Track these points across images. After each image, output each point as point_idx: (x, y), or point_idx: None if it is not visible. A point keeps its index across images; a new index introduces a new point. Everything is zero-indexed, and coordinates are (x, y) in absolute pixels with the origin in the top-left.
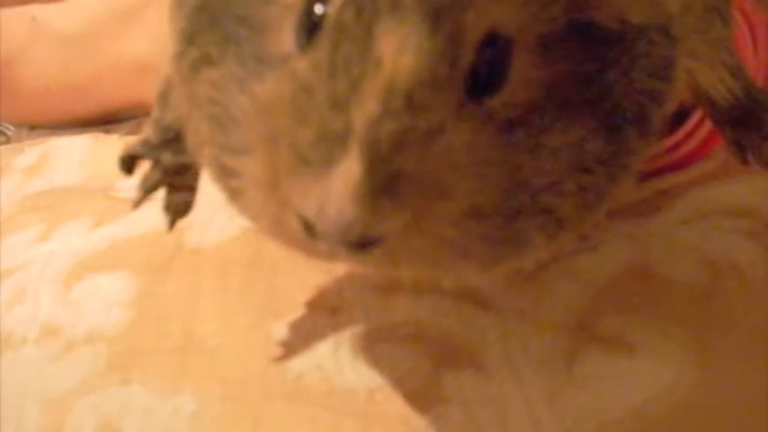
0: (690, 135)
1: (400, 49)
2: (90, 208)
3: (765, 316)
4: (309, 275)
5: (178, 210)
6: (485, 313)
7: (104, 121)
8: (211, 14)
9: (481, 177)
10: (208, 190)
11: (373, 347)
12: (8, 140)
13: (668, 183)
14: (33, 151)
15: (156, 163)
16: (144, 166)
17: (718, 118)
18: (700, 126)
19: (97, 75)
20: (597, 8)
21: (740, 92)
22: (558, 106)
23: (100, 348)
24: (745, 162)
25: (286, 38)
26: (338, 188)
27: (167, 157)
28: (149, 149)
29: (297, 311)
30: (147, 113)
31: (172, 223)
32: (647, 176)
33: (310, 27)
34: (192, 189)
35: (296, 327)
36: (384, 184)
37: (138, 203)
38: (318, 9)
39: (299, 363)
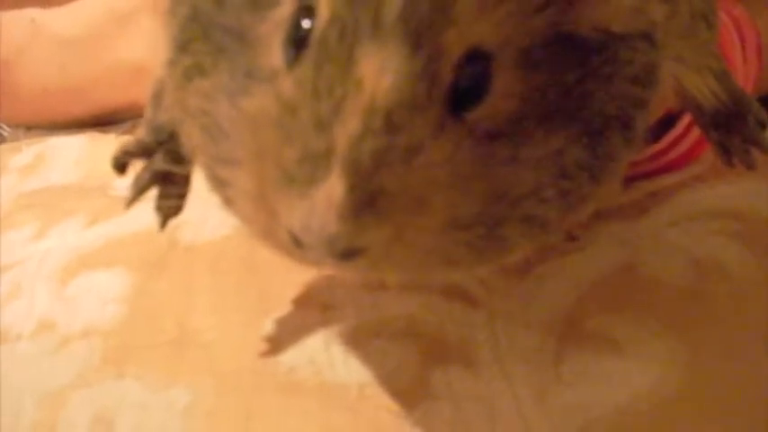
0: (679, 140)
1: (380, 71)
2: (86, 206)
3: (751, 316)
4: (302, 272)
5: (170, 210)
6: (474, 311)
7: (101, 122)
8: (203, 25)
9: (461, 190)
10: (202, 188)
11: (364, 343)
12: (4, 141)
13: (657, 185)
14: (30, 151)
15: (149, 163)
16: (137, 166)
17: (703, 121)
18: (688, 131)
19: (94, 77)
20: (579, 21)
21: (725, 96)
22: (539, 116)
23: (95, 343)
24: (730, 164)
25: (274, 53)
26: (322, 205)
27: (160, 158)
28: (142, 150)
29: (289, 307)
30: (142, 115)
31: (164, 223)
32: (636, 179)
33: (298, 41)
34: (184, 189)
35: (288, 322)
36: (366, 200)
37: (130, 203)
38: (306, 23)
39: (291, 357)
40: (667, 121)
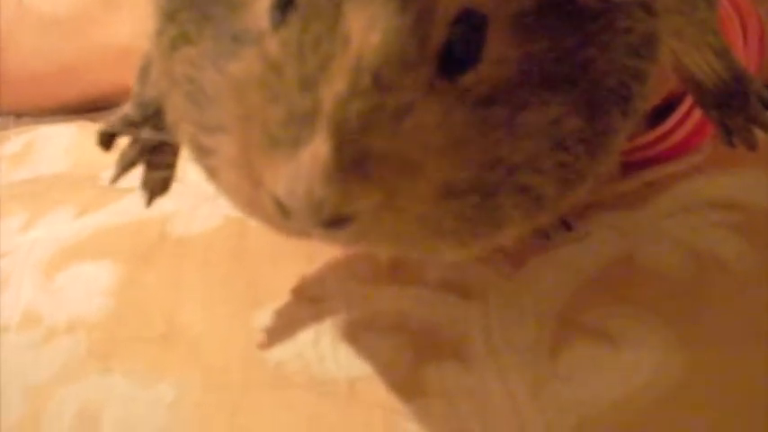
0: (678, 126)
1: (368, 27)
2: (75, 196)
3: (749, 310)
4: (292, 265)
5: (156, 187)
6: (468, 304)
7: (91, 107)
8: None
9: (454, 155)
10: (193, 179)
11: (355, 337)
12: None
13: (656, 175)
14: (19, 139)
15: (135, 139)
16: (122, 143)
17: (704, 101)
18: (687, 117)
19: (82, 59)
20: None
21: (726, 74)
22: (535, 83)
23: (81, 336)
24: (731, 145)
25: (260, 15)
26: (307, 168)
27: (146, 134)
28: (128, 125)
29: (279, 300)
30: None
31: (150, 200)
32: (634, 168)
33: (284, 3)
34: (170, 166)
35: (277, 316)
36: (353, 163)
37: (115, 178)
38: None
39: (279, 351)
40: (665, 109)
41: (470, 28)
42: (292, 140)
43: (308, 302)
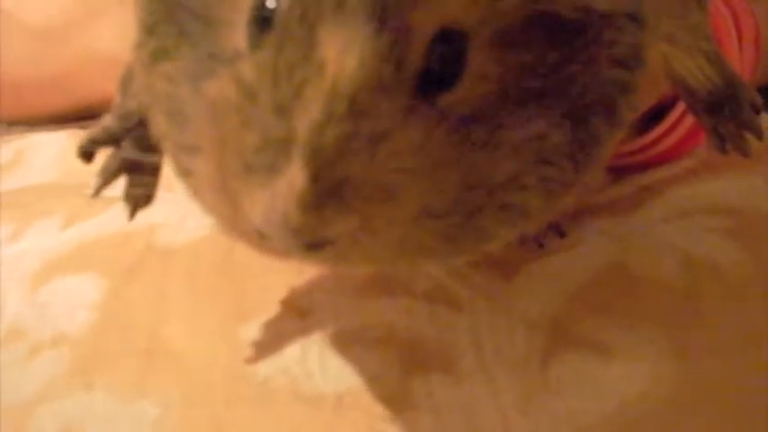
0: (671, 130)
1: (343, 52)
2: (62, 206)
3: (744, 317)
4: (279, 277)
5: (139, 198)
6: (458, 315)
7: (80, 116)
8: (168, 6)
9: (434, 178)
10: (181, 189)
11: (342, 351)
12: None
13: (649, 179)
14: (9, 148)
15: (117, 151)
16: (104, 155)
17: (696, 106)
18: (680, 121)
19: (69, 69)
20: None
21: (718, 79)
22: (517, 99)
23: (64, 352)
24: (723, 151)
25: (238, 35)
26: (282, 196)
27: (128, 145)
28: (109, 137)
29: (265, 314)
30: None
31: (133, 212)
32: (627, 173)
33: (262, 22)
34: (152, 179)
35: (264, 329)
36: (329, 190)
37: (97, 191)
38: (270, 3)
39: (265, 366)
40: (658, 113)
41: (449, 47)
42: (267, 167)
43: (295, 315)
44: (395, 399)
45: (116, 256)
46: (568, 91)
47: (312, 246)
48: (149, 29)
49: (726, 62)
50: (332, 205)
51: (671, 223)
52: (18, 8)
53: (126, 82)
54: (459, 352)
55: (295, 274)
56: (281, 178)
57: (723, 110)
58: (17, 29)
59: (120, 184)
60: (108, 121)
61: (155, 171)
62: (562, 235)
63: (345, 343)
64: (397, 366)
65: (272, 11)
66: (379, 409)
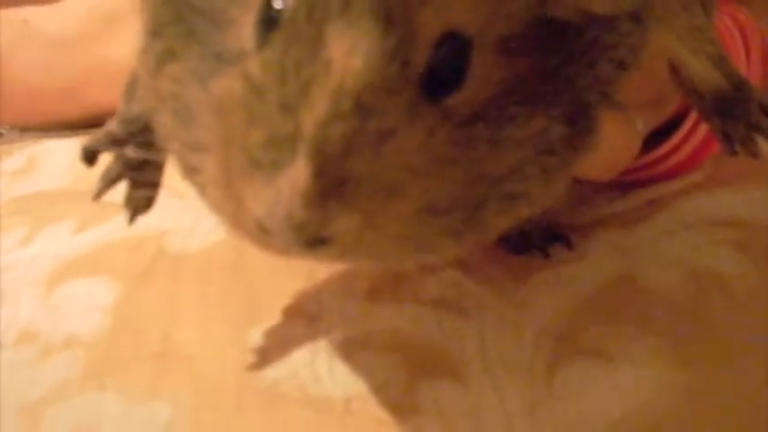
0: (680, 145)
1: (350, 51)
2: (75, 212)
3: (750, 329)
4: (289, 282)
5: (140, 202)
6: (465, 322)
7: (93, 124)
8: (175, 7)
9: (437, 175)
10: (191, 195)
11: (351, 356)
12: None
13: (657, 193)
14: (22, 154)
15: (119, 156)
16: (106, 159)
17: (704, 109)
18: (690, 136)
19: (86, 78)
20: (558, 3)
21: (725, 81)
22: (519, 99)
23: (77, 354)
24: (733, 153)
25: (245, 34)
26: (287, 191)
27: (130, 151)
28: (112, 141)
29: (275, 318)
30: None
31: (133, 217)
32: (635, 186)
33: (269, 22)
34: (154, 184)
35: (273, 334)
36: (333, 186)
37: (99, 194)
38: (278, 4)
39: (274, 371)
40: (668, 129)
41: (454, 50)
42: (272, 163)
43: (304, 320)
44: (402, 404)
45: (128, 261)
46: (568, 91)
47: (314, 242)
48: (156, 31)
49: (733, 65)
50: (335, 201)
51: (677, 236)
52: (35, 18)
53: (130, 88)
54: (466, 359)
55: (304, 279)
56: (286, 174)
57: (732, 112)
58: (34, 38)
59: (120, 184)
60: (111, 125)
61: (158, 170)
62: (570, 247)
63: (353, 348)
64: (404, 372)
65: (280, 11)
66: (386, 415)
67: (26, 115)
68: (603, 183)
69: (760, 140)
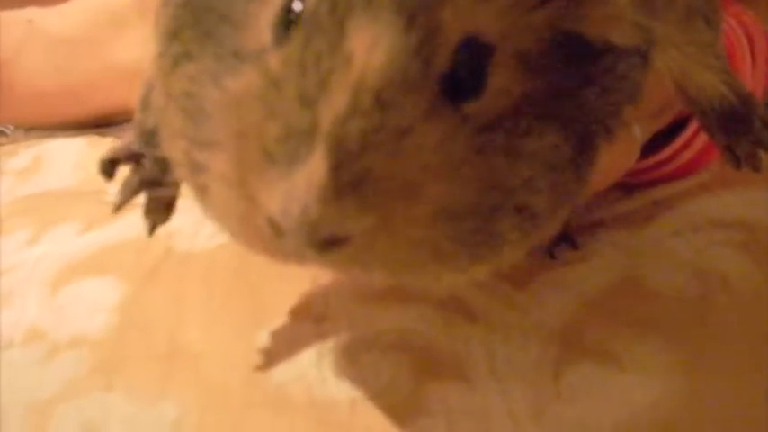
0: (685, 147)
1: (372, 46)
2: (81, 212)
3: (756, 331)
4: (296, 283)
5: (159, 215)
6: (471, 324)
7: (99, 124)
8: (194, 11)
9: (453, 178)
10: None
11: (357, 357)
12: (6, 136)
13: (662, 193)
14: (27, 153)
15: (137, 168)
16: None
17: (709, 124)
18: (695, 138)
19: (91, 79)
20: (582, 21)
21: (731, 97)
22: (534, 115)
23: (84, 353)
24: (738, 167)
25: (263, 32)
26: (302, 187)
27: (148, 163)
28: (130, 155)
29: (281, 319)
30: None
31: (152, 229)
32: (640, 187)
33: (288, 23)
34: (173, 194)
35: (280, 335)
36: (350, 183)
37: (117, 208)
38: (297, 6)
39: (281, 372)
40: (671, 131)
41: (475, 56)
42: (289, 157)
43: (310, 321)
44: (408, 406)
45: (135, 261)
46: (581, 115)
47: (327, 244)
48: (173, 35)
49: (738, 80)
50: (352, 199)
51: (682, 237)
52: (42, 19)
53: (146, 99)
54: (473, 360)
55: (312, 280)
56: (302, 169)
57: (736, 127)
58: (41, 39)
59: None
60: (129, 138)
61: (174, 188)
62: (575, 247)
63: (360, 349)
64: (410, 373)
65: (299, 13)
66: (392, 415)
67: (31, 116)
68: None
69: (763, 154)
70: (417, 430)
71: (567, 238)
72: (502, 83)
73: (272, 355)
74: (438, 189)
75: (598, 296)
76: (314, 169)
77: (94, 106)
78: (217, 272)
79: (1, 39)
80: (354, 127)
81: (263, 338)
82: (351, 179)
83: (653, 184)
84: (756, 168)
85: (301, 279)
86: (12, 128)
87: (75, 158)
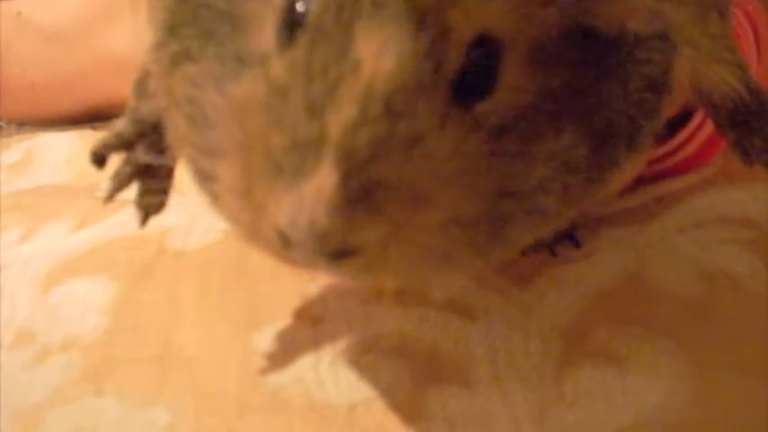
0: (689, 139)
1: (381, 51)
2: (73, 208)
3: (763, 331)
4: (293, 283)
5: (151, 206)
6: (472, 326)
7: (92, 118)
8: (193, 7)
9: (466, 186)
10: (193, 191)
11: (356, 360)
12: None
13: (666, 189)
14: (19, 147)
15: (129, 157)
16: (117, 160)
17: (720, 120)
18: (699, 130)
19: (82, 71)
20: (594, 13)
21: (743, 91)
22: (550, 113)
23: (75, 356)
24: (750, 164)
25: (266, 36)
26: (311, 198)
27: (141, 151)
28: (122, 142)
29: (278, 321)
30: None
31: (144, 220)
32: (643, 181)
33: (291, 25)
34: (166, 183)
35: (277, 337)
36: (360, 194)
37: (109, 198)
38: (300, 6)
39: (278, 375)
40: (676, 123)
41: (486, 54)
42: (296, 168)
43: (308, 323)
44: (408, 409)
45: (127, 259)
46: (599, 111)
47: (338, 254)
48: (172, 30)
49: (751, 75)
50: (362, 210)
51: (687, 234)
52: (33, 10)
53: (140, 85)
54: (474, 362)
55: (308, 280)
56: (311, 180)
57: (749, 123)
58: (30, 30)
59: (131, 186)
60: (121, 125)
61: (167, 176)
62: (577, 245)
63: (358, 352)
64: (410, 376)
65: (303, 13)
66: (391, 420)
67: (23, 109)
68: None
69: None
70: None
71: (569, 235)
72: (515, 80)
73: (269, 358)
74: (450, 196)
75: (601, 295)
76: (322, 180)
77: (86, 99)
78: (212, 270)
79: None
80: (364, 136)
81: (259, 341)
82: (360, 190)
83: (656, 178)
84: None
85: (299, 280)
86: (4, 122)
87: (67, 153)
